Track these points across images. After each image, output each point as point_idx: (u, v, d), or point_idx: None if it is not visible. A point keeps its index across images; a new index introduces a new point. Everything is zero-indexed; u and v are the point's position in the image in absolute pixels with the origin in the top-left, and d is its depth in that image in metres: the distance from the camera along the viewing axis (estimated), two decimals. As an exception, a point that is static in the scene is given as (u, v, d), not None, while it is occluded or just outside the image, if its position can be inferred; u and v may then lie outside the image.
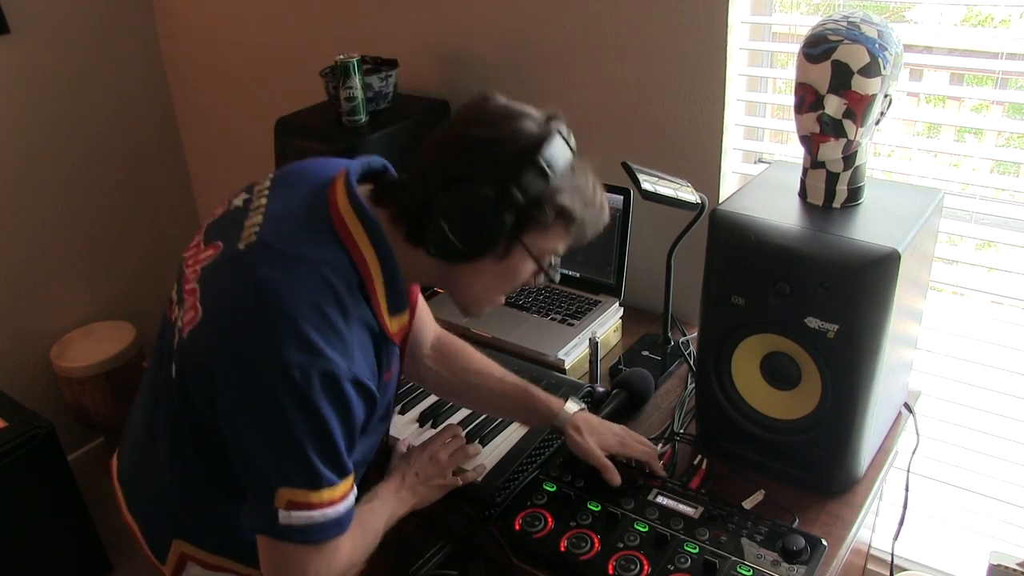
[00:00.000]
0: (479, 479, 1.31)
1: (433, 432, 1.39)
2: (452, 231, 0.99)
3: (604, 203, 1.09)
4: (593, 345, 1.55)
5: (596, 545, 1.19)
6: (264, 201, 1.08)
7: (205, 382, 1.01)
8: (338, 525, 1.02)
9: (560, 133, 1.02)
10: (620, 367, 1.61)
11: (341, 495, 1.02)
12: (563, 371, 1.60)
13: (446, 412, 1.47)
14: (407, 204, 1.03)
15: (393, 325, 1.06)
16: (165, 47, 2.67)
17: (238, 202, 1.11)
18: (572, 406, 1.32)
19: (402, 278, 1.05)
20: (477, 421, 1.43)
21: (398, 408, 1.49)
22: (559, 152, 1.01)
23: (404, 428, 1.45)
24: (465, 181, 0.98)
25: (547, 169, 0.99)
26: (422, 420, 1.46)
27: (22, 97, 2.39)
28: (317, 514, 1.00)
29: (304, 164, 1.15)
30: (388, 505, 1.21)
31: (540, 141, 0.99)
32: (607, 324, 1.72)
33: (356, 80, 1.76)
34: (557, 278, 1.12)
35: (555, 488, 1.30)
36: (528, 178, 0.98)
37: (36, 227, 2.52)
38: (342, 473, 1.01)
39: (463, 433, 1.37)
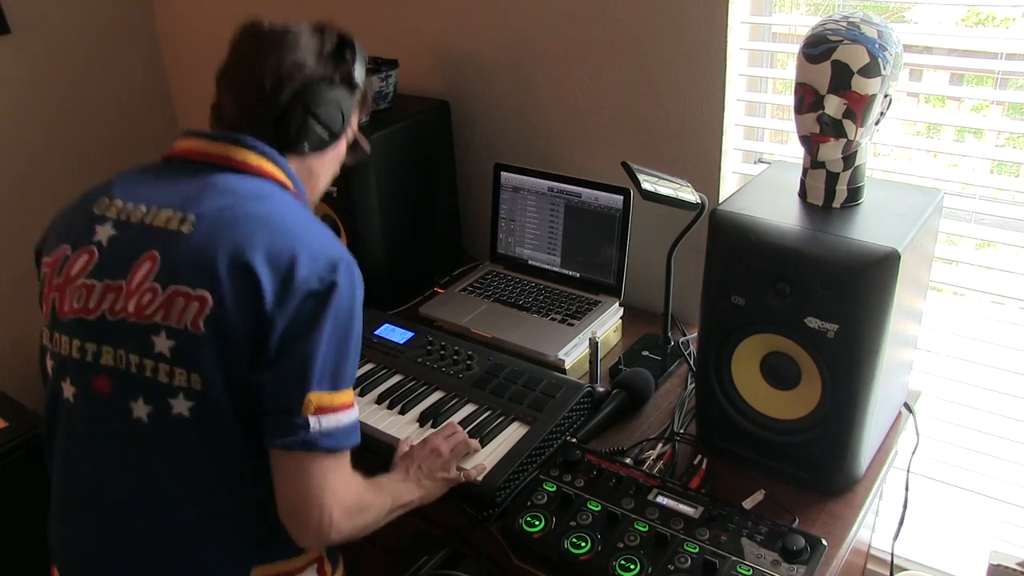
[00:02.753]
0: (480, 478, 1.32)
1: (433, 432, 1.39)
2: (319, 121, 1.16)
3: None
4: (593, 345, 1.55)
5: (596, 545, 1.19)
6: (145, 210, 1.09)
7: (248, 336, 1.01)
8: (355, 430, 1.08)
9: (344, 31, 1.20)
10: (620, 367, 1.61)
11: (353, 400, 1.08)
12: (563, 371, 1.60)
13: (446, 412, 1.47)
14: (263, 125, 1.14)
15: None
16: (165, 47, 2.67)
17: (102, 236, 1.08)
18: None
19: (301, 184, 1.18)
20: (477, 421, 1.43)
21: (398, 408, 1.49)
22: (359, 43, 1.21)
23: (404, 428, 1.45)
24: (317, 79, 1.15)
25: (363, 54, 1.21)
26: (422, 420, 1.46)
27: (22, 97, 2.39)
28: (343, 416, 1.05)
29: (122, 178, 1.18)
30: (395, 487, 1.23)
31: (348, 36, 1.19)
32: (607, 324, 1.72)
33: (356, 80, 1.75)
34: (368, 148, 1.33)
35: (555, 488, 1.30)
36: (358, 62, 1.20)
37: (36, 228, 2.51)
38: (353, 375, 1.08)
39: (464, 430, 1.37)
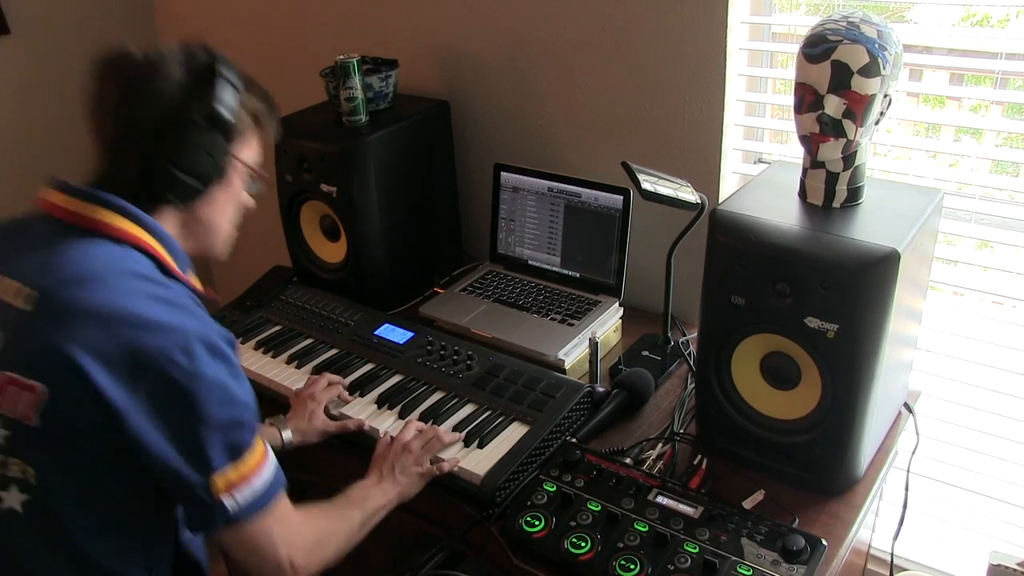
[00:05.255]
0: (455, 468, 1.33)
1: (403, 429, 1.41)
2: (183, 170, 1.05)
3: (271, 97, 1.18)
4: (593, 345, 1.55)
5: (596, 545, 1.19)
6: None
7: (85, 438, 0.95)
8: (275, 480, 1.05)
9: (215, 52, 1.09)
10: (620, 367, 1.61)
11: (263, 452, 1.05)
12: (563, 371, 1.60)
13: (446, 413, 1.46)
14: (126, 176, 1.05)
15: (193, 281, 1.11)
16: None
17: None
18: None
19: (175, 242, 1.09)
20: (477, 421, 1.43)
21: (397, 410, 1.49)
22: (228, 65, 1.09)
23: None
24: (171, 122, 1.03)
25: (232, 81, 1.08)
26: (424, 419, 1.46)
27: (22, 97, 2.39)
28: (255, 480, 1.01)
29: None
30: (367, 494, 1.25)
31: (212, 61, 1.07)
32: (607, 324, 1.72)
33: (356, 80, 1.76)
34: (267, 181, 1.21)
35: (555, 488, 1.30)
36: (222, 94, 1.06)
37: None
38: (253, 433, 1.03)
39: (426, 424, 1.41)
